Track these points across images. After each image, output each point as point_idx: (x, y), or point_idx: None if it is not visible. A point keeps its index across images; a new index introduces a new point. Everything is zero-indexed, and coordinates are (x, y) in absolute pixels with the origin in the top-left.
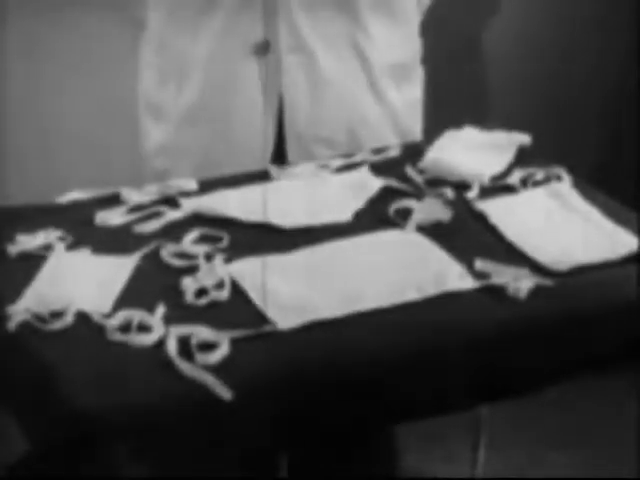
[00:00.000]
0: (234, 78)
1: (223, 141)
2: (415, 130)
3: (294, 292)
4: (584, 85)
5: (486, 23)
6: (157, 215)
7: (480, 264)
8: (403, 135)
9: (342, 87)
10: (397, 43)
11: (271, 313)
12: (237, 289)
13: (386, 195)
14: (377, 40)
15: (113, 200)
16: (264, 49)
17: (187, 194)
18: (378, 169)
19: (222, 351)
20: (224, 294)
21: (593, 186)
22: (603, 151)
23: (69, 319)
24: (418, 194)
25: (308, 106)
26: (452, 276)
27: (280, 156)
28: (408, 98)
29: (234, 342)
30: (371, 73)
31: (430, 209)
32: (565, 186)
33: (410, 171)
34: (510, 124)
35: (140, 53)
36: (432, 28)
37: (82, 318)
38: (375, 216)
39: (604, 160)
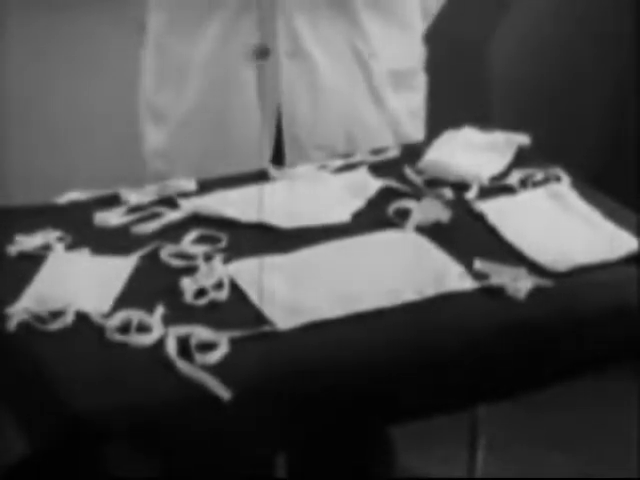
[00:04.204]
0: (233, 82)
1: (222, 145)
2: (416, 138)
3: (293, 292)
4: (584, 86)
5: (488, 25)
6: (156, 216)
7: (479, 264)
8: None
9: (341, 93)
10: (399, 50)
11: (270, 313)
12: (236, 289)
13: (385, 195)
14: (377, 46)
15: (112, 201)
16: (263, 53)
17: (186, 195)
18: (377, 170)
19: (221, 351)
20: (223, 294)
21: (593, 187)
22: (603, 151)
23: (68, 319)
24: (417, 194)
25: (307, 111)
26: (451, 276)
27: (278, 161)
28: (410, 105)
29: (233, 342)
30: (371, 79)
31: (429, 209)
32: (564, 186)
33: (409, 171)
34: (510, 124)
35: (141, 56)
36: (435, 30)
37: (81, 318)
38: (374, 217)
39: (604, 160)
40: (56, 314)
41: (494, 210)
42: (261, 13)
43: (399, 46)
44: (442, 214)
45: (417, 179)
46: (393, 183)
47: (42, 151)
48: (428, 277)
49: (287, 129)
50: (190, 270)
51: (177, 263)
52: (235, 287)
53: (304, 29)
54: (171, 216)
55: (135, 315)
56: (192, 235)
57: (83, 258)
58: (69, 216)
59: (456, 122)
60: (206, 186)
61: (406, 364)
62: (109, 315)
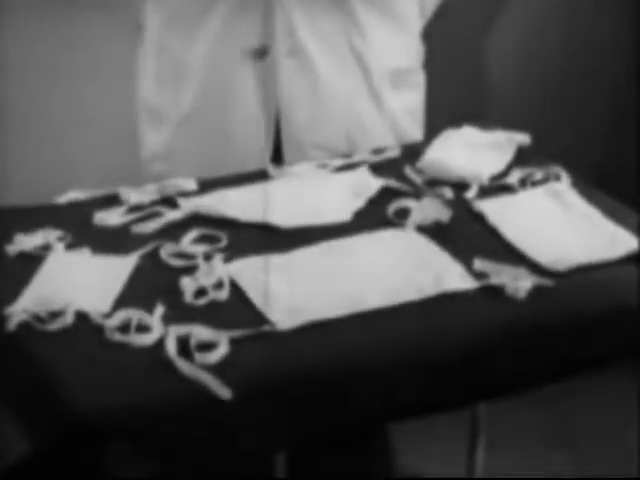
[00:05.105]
0: (232, 82)
1: (221, 145)
2: (415, 136)
3: (293, 292)
4: (584, 84)
5: (488, 25)
6: (156, 215)
7: (479, 264)
8: (402, 141)
9: (340, 92)
10: (397, 48)
11: (270, 313)
12: (236, 289)
13: (385, 195)
14: (376, 45)
15: (112, 200)
16: (262, 53)
17: (186, 194)
18: (377, 169)
19: (221, 351)
20: (223, 294)
21: (593, 186)
22: (603, 151)
23: (68, 319)
24: (417, 194)
25: (305, 111)
26: (451, 276)
27: (278, 160)
28: (408, 104)
29: (233, 342)
30: (370, 78)
31: (429, 209)
32: (564, 186)
33: (409, 171)
34: (510, 123)
35: (138, 57)
36: (434, 29)
37: (81, 318)
38: (374, 216)
39: (604, 159)
40: (56, 314)
41: (494, 210)
42: (259, 12)
43: (398, 45)
44: (442, 214)
45: (417, 179)
46: (393, 183)
47: (42, 151)
48: (428, 277)
49: (286, 129)
50: (190, 270)
51: (177, 263)
52: (235, 287)
53: (303, 28)
54: (171, 216)
55: (135, 315)
56: (192, 235)
57: (83, 258)
58: (69, 216)
59: (455, 121)
60: (206, 186)
61: (406, 363)
62: (109, 315)
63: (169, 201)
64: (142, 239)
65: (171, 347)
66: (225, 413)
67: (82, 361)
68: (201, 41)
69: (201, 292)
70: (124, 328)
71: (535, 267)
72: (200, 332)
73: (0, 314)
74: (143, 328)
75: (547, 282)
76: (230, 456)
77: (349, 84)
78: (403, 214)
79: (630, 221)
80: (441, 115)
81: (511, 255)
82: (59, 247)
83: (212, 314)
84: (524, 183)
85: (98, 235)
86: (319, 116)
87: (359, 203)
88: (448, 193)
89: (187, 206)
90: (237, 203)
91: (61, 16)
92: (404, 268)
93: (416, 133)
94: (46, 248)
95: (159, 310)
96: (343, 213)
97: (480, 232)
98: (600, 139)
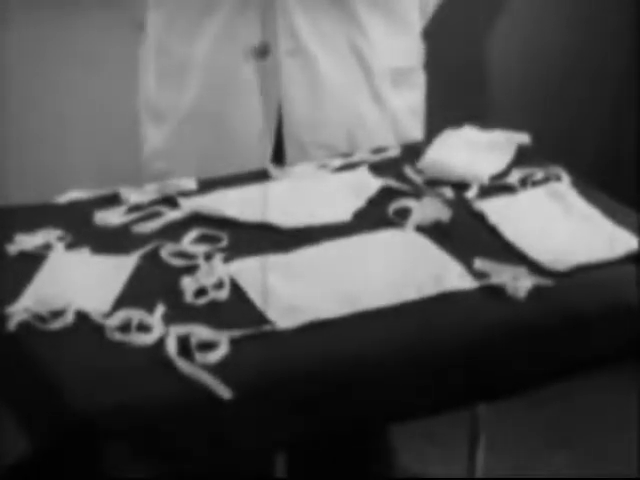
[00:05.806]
0: (233, 81)
1: (222, 144)
2: (415, 136)
3: (293, 292)
4: (585, 84)
5: (488, 25)
6: (156, 215)
7: (479, 264)
8: (403, 140)
9: (341, 91)
10: (398, 48)
11: (270, 313)
12: (236, 289)
13: (385, 195)
14: (377, 45)
15: (112, 200)
16: (263, 52)
17: (186, 194)
18: (377, 169)
19: (221, 351)
20: (223, 294)
21: (593, 186)
22: (603, 151)
23: (69, 319)
24: (417, 194)
25: (307, 110)
26: (451, 276)
27: (279, 160)
28: (409, 103)
29: (233, 342)
30: (371, 77)
31: (429, 209)
32: (564, 186)
33: (409, 171)
34: (510, 123)
35: (140, 55)
36: (434, 29)
37: (82, 318)
38: (374, 216)
39: (604, 160)
40: (56, 313)
41: (494, 209)
42: (261, 11)
43: (398, 44)
44: (442, 213)
45: (417, 178)
46: (393, 182)
47: (42, 150)
48: (428, 276)
49: (287, 128)
50: (190, 269)
51: (177, 262)
52: (235, 286)
53: (304, 27)
54: (171, 215)
55: (135, 314)
56: (192, 234)
57: (83, 257)
58: (69, 215)
59: (455, 120)
60: (206, 185)
61: (406, 363)
62: (109, 314)
63: (169, 201)
64: (142, 239)
65: (171, 347)
66: (225, 413)
67: (82, 361)
68: (202, 40)
69: (201, 292)
70: (124, 328)
71: (535, 267)
72: (200, 332)
73: (1, 313)
74: (143, 328)
75: (547, 282)
76: (230, 456)
77: (350, 83)
78: (403, 214)
79: (630, 221)
80: (441, 115)
81: (511, 255)
82: (59, 247)
83: (212, 314)
84: (524, 183)
85: (98, 235)
86: (320, 115)
87: (359, 203)
88: (448, 193)
89: (187, 206)
90: (237, 203)
91: (62, 14)
92: (404, 268)
93: (417, 132)
94: (46, 248)
95: (159, 310)
96: (343, 213)
97: (480, 232)
98: (600, 139)
